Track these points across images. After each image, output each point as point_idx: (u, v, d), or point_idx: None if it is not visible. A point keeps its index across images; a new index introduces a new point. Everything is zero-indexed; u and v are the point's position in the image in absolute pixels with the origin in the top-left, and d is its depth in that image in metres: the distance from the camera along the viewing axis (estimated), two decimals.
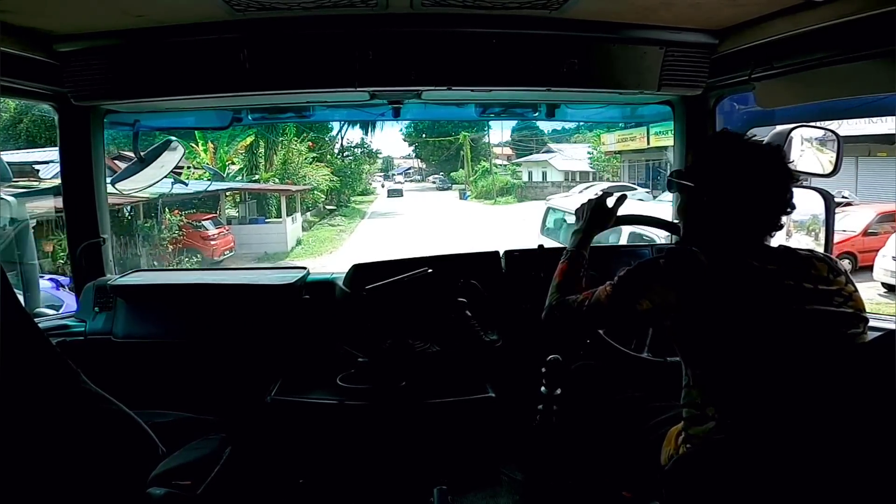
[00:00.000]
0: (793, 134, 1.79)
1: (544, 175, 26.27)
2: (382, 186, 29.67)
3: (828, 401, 0.90)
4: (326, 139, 20.03)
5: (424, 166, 33.60)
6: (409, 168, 35.97)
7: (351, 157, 23.15)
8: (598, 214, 1.42)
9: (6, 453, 0.83)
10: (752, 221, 1.10)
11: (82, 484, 0.92)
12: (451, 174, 29.08)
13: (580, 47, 1.70)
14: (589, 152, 24.11)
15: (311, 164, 17.78)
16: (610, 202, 1.44)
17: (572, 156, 25.31)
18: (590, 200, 1.45)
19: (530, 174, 26.92)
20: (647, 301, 1.10)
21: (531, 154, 27.25)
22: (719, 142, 1.18)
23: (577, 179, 24.06)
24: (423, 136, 28.67)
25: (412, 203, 24.61)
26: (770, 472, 0.90)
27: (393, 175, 34.44)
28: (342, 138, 22.25)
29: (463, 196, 25.93)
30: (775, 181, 1.10)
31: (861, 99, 1.71)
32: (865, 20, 1.26)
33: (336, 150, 22.09)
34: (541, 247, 1.95)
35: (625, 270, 1.16)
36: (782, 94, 1.62)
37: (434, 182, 30.77)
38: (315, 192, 17.98)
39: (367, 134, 22.44)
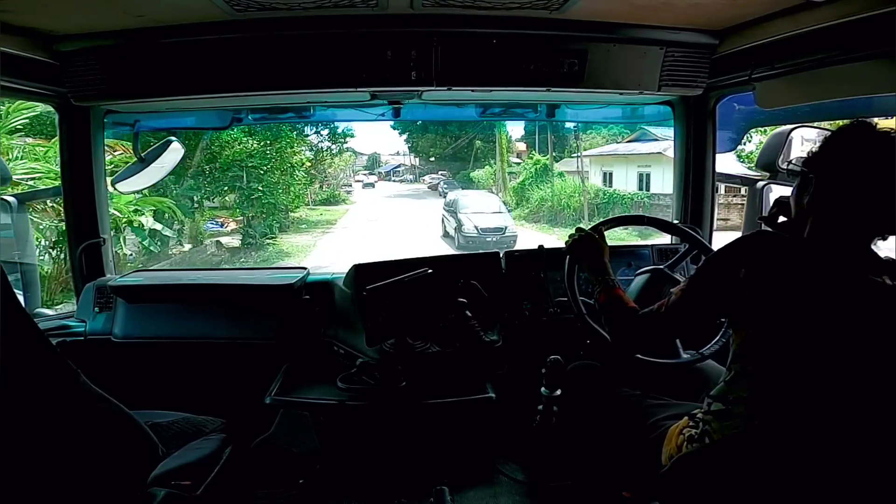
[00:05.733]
0: (793, 134, 1.79)
1: (643, 179, 14.41)
2: (349, 188, 20.42)
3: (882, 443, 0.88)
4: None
5: (419, 163, 23.64)
6: (399, 166, 25.66)
7: (280, 143, 11.52)
8: (589, 246, 1.44)
9: (6, 454, 0.83)
10: (867, 222, 0.98)
11: (82, 485, 0.92)
12: (469, 174, 19.10)
13: (580, 47, 1.70)
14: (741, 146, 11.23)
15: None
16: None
17: None
18: (577, 238, 1.47)
19: (608, 177, 15.61)
20: (725, 288, 1.03)
21: (553, 149, 16.28)
22: (850, 131, 1.01)
23: (722, 193, 11.76)
24: (419, 121, 18.32)
25: (407, 223, 14.27)
26: (779, 480, 0.90)
27: (379, 172, 25.38)
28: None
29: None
30: None
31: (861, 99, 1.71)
32: (865, 20, 1.26)
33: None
34: (541, 247, 1.95)
35: (701, 262, 1.12)
36: (782, 94, 1.62)
37: (428, 183, 20.78)
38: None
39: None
